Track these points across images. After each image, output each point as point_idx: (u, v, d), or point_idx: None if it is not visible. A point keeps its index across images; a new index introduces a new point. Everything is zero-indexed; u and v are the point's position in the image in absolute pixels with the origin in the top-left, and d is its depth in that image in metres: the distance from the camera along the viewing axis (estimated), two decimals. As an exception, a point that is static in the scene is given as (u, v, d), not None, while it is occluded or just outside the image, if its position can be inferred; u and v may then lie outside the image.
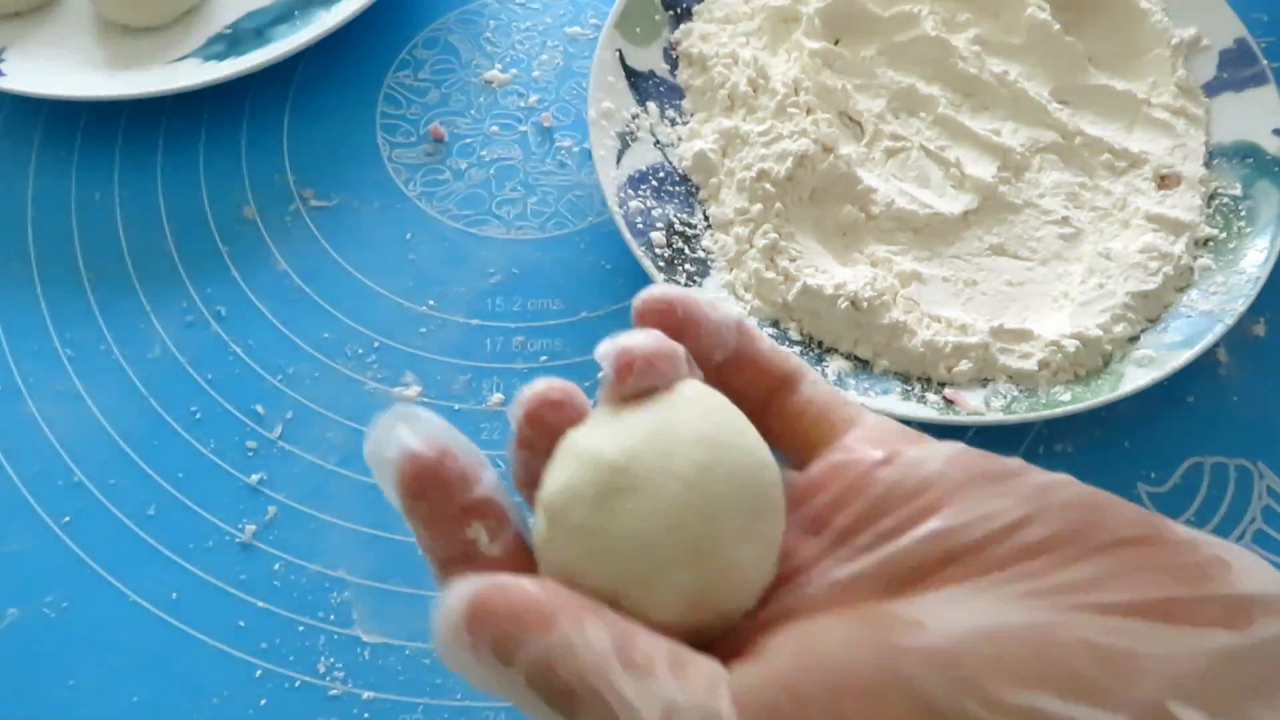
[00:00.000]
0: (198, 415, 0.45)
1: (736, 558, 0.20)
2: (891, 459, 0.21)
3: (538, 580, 0.20)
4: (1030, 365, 0.44)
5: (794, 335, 0.45)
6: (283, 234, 0.50)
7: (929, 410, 0.43)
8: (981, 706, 0.17)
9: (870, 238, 0.48)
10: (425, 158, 0.53)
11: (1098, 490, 0.20)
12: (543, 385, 0.22)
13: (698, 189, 0.49)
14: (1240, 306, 0.44)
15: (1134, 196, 0.49)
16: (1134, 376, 0.43)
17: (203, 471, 0.43)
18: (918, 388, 0.44)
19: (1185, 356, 0.43)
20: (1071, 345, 0.44)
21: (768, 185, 0.47)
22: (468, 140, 0.53)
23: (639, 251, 0.46)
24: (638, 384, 0.22)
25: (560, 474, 0.21)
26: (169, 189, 0.51)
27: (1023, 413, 0.42)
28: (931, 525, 0.20)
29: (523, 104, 0.54)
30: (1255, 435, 0.45)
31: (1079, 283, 0.46)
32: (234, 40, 0.54)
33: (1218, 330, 0.44)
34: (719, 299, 0.46)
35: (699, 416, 0.22)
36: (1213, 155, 0.50)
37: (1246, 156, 0.49)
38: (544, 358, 0.47)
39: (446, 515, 0.21)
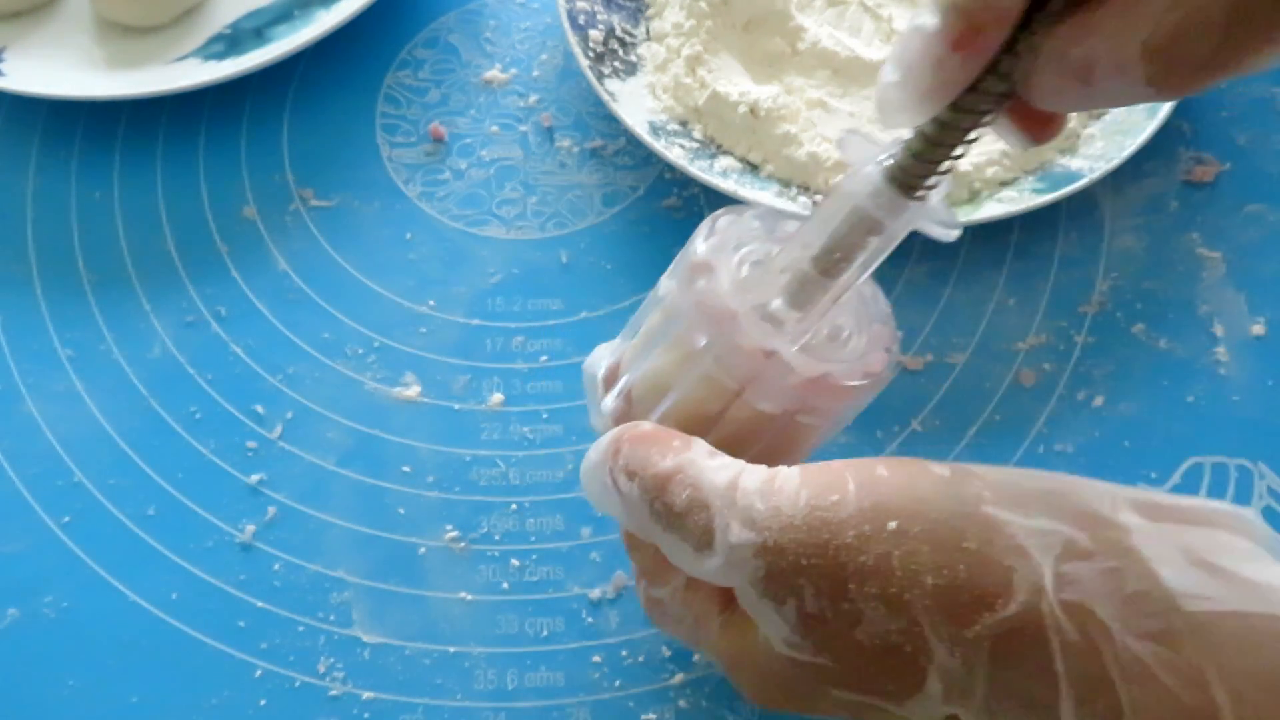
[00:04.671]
0: (198, 415, 0.45)
1: None
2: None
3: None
4: None
5: (697, 135, 0.50)
6: (283, 234, 0.50)
7: (797, 207, 0.47)
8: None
9: (791, 70, 0.52)
10: (425, 158, 0.53)
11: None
12: None
13: (647, 5, 0.55)
14: (1105, 166, 0.47)
15: None
16: (989, 209, 0.47)
17: (203, 471, 0.43)
18: (795, 191, 0.48)
19: (1042, 200, 0.46)
20: None
21: (703, 4, 0.52)
22: (468, 140, 0.53)
23: (573, 39, 0.51)
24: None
25: None
26: (169, 189, 0.51)
27: None
28: None
29: (523, 104, 0.54)
30: (1255, 435, 0.45)
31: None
32: (234, 40, 0.54)
33: (1079, 183, 0.46)
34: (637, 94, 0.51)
35: None
36: None
37: None
38: (544, 358, 0.47)
39: None
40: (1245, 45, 0.20)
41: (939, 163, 0.26)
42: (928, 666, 0.24)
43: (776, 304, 0.29)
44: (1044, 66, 0.23)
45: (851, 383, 0.29)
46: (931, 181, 0.26)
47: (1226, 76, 0.21)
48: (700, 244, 0.30)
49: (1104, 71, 0.22)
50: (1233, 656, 0.22)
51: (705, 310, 0.29)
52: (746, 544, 0.26)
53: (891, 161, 0.26)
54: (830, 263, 0.28)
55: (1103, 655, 0.22)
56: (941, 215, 0.27)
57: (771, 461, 0.28)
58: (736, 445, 0.29)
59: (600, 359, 0.34)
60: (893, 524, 0.24)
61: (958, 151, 0.26)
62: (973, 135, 0.25)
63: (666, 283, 0.31)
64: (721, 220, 0.31)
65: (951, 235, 0.27)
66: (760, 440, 0.30)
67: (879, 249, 0.27)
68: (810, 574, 0.25)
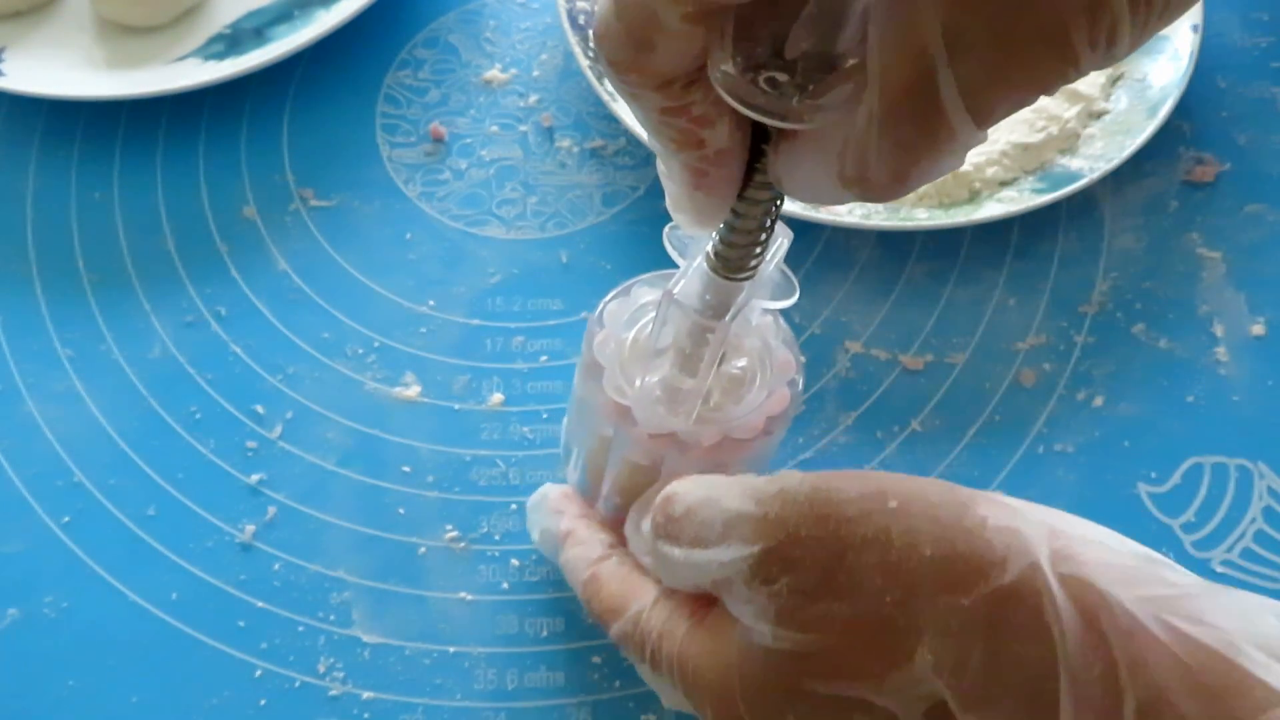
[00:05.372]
0: (198, 415, 0.45)
1: None
2: None
3: None
4: None
5: None
6: (283, 234, 0.50)
7: (794, 206, 0.46)
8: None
9: None
10: (425, 158, 0.53)
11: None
12: None
13: None
14: (1105, 166, 0.47)
15: None
16: (989, 209, 0.47)
17: (203, 471, 0.43)
18: None
19: (1042, 200, 0.47)
20: None
21: None
22: (468, 140, 0.53)
23: (573, 39, 0.51)
24: None
25: None
26: (169, 189, 0.51)
27: (877, 221, 0.47)
28: None
29: (523, 104, 0.54)
30: (1255, 435, 0.45)
31: None
32: (234, 40, 0.54)
33: (1079, 183, 0.47)
34: None
35: None
36: None
37: (1158, 45, 0.52)
38: (544, 358, 0.47)
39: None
40: (915, 171, 0.21)
41: (749, 246, 0.27)
42: (917, 644, 0.24)
43: (672, 374, 0.31)
44: (781, 178, 0.24)
45: (752, 436, 0.31)
46: (754, 262, 0.27)
47: (922, 184, 0.22)
48: (590, 343, 0.32)
49: (819, 190, 0.23)
50: (1228, 618, 0.22)
51: (603, 410, 0.32)
52: (747, 516, 0.27)
53: (710, 251, 0.28)
54: (694, 342, 0.30)
55: (1099, 618, 0.23)
56: (778, 284, 0.29)
57: None
58: None
59: (545, 493, 0.38)
60: (893, 503, 0.25)
61: (762, 236, 0.27)
62: (770, 218, 0.26)
63: (577, 375, 0.34)
64: (610, 306, 0.33)
65: (788, 303, 0.29)
66: None
67: (729, 323, 0.29)
68: (809, 545, 0.26)
